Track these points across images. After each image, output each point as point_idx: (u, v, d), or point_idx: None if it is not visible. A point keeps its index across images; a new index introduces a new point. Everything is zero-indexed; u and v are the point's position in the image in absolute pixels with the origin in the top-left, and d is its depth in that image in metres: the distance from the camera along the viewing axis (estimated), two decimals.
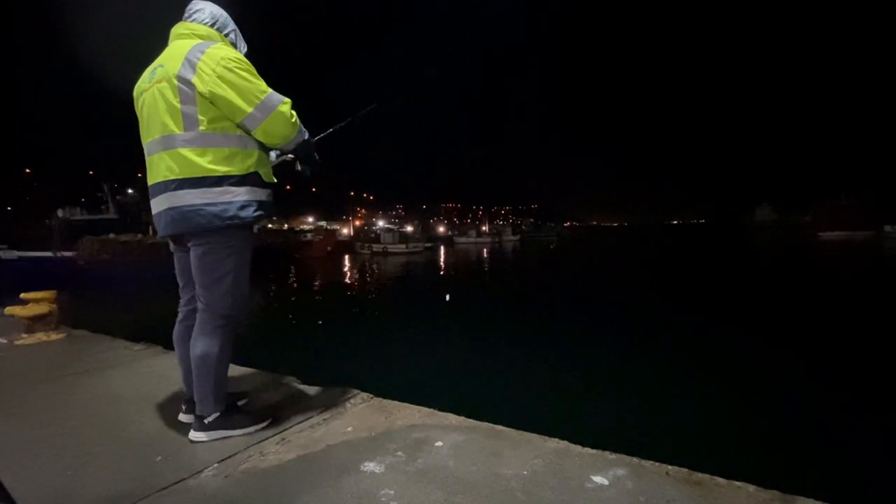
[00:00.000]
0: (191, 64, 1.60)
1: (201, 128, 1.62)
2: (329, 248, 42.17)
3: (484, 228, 75.89)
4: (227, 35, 1.82)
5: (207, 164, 1.63)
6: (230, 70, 1.60)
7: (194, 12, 1.79)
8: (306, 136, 1.87)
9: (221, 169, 1.64)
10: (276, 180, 1.91)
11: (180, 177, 1.63)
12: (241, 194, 1.67)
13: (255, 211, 1.71)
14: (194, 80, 1.59)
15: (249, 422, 1.82)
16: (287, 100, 1.71)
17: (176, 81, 1.61)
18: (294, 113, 1.74)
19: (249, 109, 1.62)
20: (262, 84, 1.66)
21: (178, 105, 1.61)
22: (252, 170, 1.72)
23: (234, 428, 1.78)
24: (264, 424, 1.84)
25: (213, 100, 1.61)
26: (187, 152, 1.62)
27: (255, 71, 1.67)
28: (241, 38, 1.90)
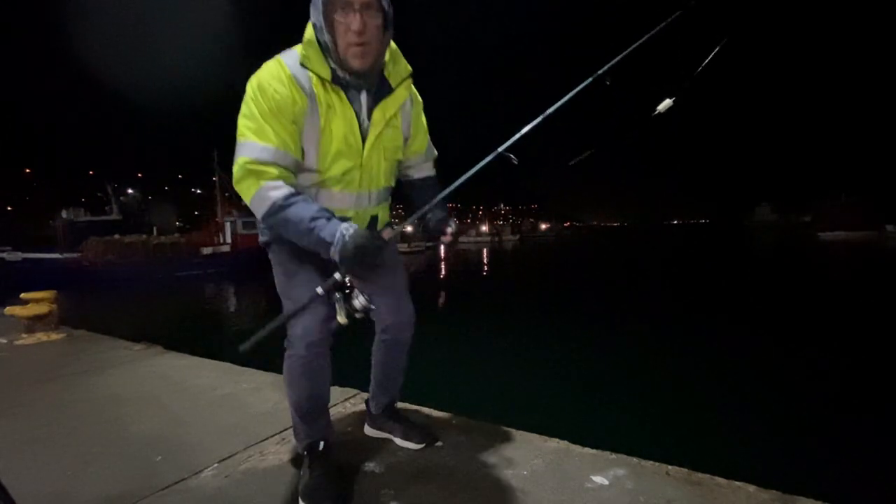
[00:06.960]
0: None
1: None
2: None
3: (484, 228, 75.75)
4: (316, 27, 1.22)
5: None
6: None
7: None
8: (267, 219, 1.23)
9: None
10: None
11: None
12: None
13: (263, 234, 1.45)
14: None
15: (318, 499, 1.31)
16: (244, 158, 1.19)
17: None
18: (256, 180, 1.18)
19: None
20: (245, 122, 1.20)
21: None
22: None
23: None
24: None
25: None
26: None
27: (257, 101, 1.19)
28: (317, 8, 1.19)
